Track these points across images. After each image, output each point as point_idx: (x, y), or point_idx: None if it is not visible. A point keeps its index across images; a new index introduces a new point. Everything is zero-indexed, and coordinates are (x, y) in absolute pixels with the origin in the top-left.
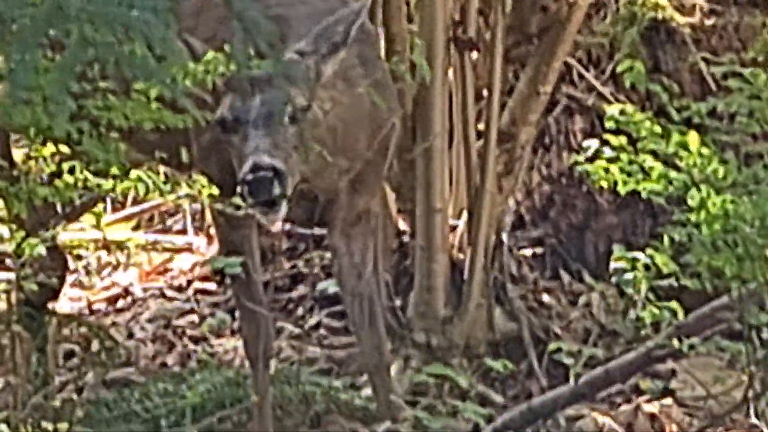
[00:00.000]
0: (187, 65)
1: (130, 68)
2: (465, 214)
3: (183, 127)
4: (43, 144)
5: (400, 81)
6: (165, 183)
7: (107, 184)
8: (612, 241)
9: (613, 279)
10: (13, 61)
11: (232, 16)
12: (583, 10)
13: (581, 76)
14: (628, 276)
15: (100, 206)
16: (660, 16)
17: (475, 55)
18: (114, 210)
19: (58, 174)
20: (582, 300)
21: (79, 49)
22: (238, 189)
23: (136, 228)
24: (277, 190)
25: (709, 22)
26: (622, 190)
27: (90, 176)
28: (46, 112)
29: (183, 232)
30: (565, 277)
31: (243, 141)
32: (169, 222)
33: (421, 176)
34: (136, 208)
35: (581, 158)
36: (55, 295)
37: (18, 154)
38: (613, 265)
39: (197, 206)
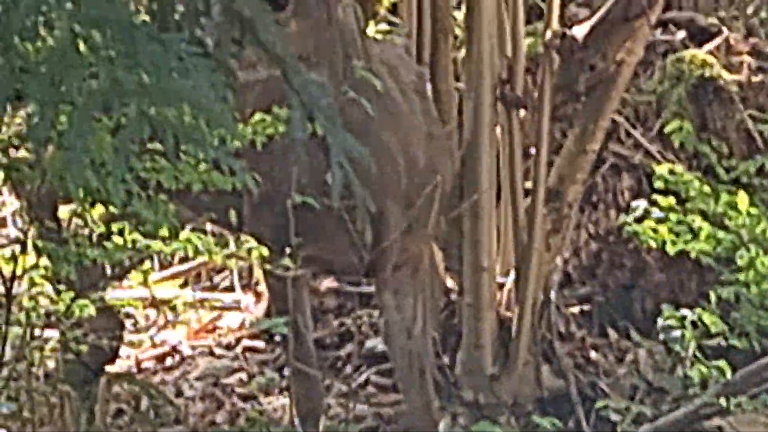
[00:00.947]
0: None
1: (185, 139)
2: (512, 272)
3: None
4: (92, 205)
5: (449, 139)
6: (215, 244)
7: (157, 245)
8: (659, 298)
9: (661, 336)
10: (71, 134)
11: (290, 91)
12: (630, 69)
13: (628, 134)
14: (676, 334)
15: (147, 264)
16: (707, 73)
17: (522, 113)
18: (161, 268)
19: (107, 235)
20: (629, 357)
21: (136, 123)
22: None
23: (184, 285)
24: None
25: (756, 79)
26: (670, 250)
27: (139, 237)
28: (99, 177)
29: (230, 289)
30: (613, 335)
31: None
32: (216, 279)
33: (468, 234)
34: (184, 266)
35: (630, 219)
36: (112, 357)
37: (63, 212)
38: (660, 322)
39: (244, 263)
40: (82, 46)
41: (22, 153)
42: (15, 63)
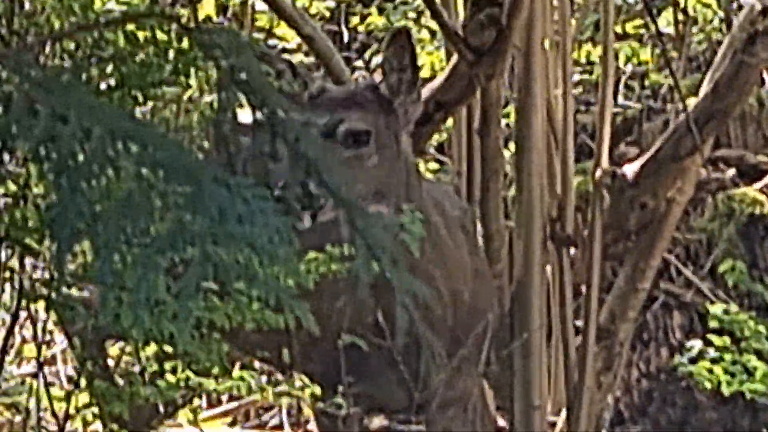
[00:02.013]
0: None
1: (247, 281)
2: (564, 411)
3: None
4: (145, 344)
5: (499, 278)
6: (267, 382)
7: (209, 383)
8: None
9: None
10: (134, 276)
11: (356, 233)
12: (681, 207)
13: (679, 272)
14: None
15: (196, 401)
16: (757, 211)
17: (573, 251)
18: (210, 406)
19: (160, 373)
20: None
21: (201, 267)
22: None
23: (233, 424)
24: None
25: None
26: (726, 391)
27: (192, 375)
28: (153, 317)
29: (279, 427)
30: None
31: None
32: (265, 417)
33: (519, 372)
34: (233, 404)
35: (684, 359)
36: None
37: (112, 349)
38: None
39: (293, 401)
40: (148, 189)
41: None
42: (81, 205)
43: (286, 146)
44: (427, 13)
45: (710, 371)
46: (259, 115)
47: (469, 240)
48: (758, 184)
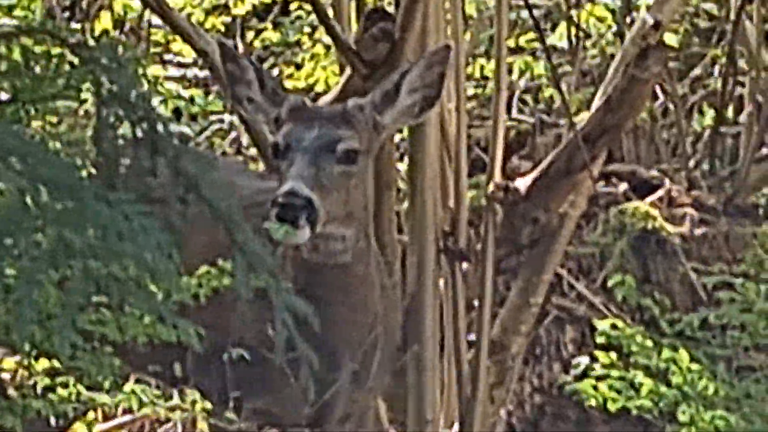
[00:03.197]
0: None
1: (129, 295)
2: (456, 425)
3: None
4: (36, 358)
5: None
6: (158, 397)
7: (101, 397)
8: None
9: None
10: (18, 289)
11: (235, 247)
12: (573, 221)
13: (572, 286)
14: None
15: (91, 415)
16: (650, 226)
17: (465, 265)
18: (105, 419)
19: (52, 387)
20: None
21: (82, 281)
22: (268, 206)
23: None
24: (303, 222)
25: (699, 232)
26: (612, 407)
27: (83, 390)
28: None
29: None
30: None
31: (288, 167)
32: (159, 430)
33: (412, 386)
34: (127, 418)
35: (569, 378)
36: None
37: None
38: None
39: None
40: (29, 204)
41: None
42: None
43: (165, 161)
44: (322, 27)
45: (596, 388)
46: (138, 131)
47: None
48: (650, 199)
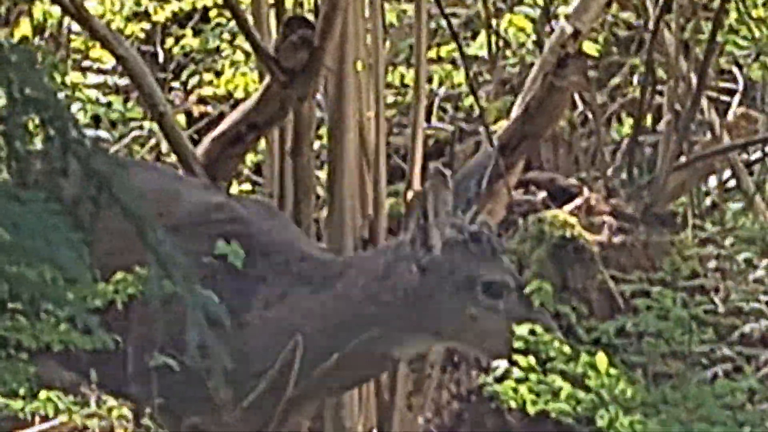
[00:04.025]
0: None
1: (43, 298)
2: None
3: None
4: None
5: None
6: (75, 404)
7: (16, 404)
8: None
9: None
10: None
11: (147, 249)
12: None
13: None
14: None
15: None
16: (568, 233)
17: None
18: (24, 425)
19: None
20: None
21: None
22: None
23: None
24: None
25: (617, 240)
26: (531, 410)
27: None
28: None
29: None
30: None
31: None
32: None
33: None
34: (46, 425)
35: (490, 379)
36: None
37: None
38: None
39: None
40: None
41: None
42: None
43: (77, 161)
44: (242, 34)
45: (515, 391)
46: (50, 130)
47: None
48: (569, 207)
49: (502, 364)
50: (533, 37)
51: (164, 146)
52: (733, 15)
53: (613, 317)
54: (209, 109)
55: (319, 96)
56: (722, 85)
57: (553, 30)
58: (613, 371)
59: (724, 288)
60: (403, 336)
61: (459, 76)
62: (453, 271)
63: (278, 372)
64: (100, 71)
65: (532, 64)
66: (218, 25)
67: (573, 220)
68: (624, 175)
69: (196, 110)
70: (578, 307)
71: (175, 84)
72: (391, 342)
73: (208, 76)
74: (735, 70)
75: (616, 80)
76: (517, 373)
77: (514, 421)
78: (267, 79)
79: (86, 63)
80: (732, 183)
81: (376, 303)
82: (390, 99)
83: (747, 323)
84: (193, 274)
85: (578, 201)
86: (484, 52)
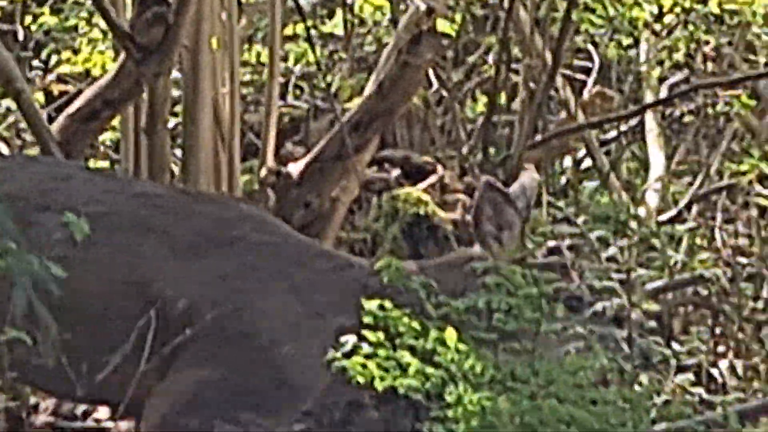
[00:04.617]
0: None
1: None
2: None
3: None
4: None
5: None
6: None
7: None
8: None
9: None
10: None
11: None
12: (345, 206)
13: None
14: None
15: None
16: (422, 211)
17: None
18: None
19: None
20: None
21: None
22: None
23: None
24: None
25: (469, 217)
26: (379, 386)
27: None
28: None
29: None
30: None
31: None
32: None
33: None
34: None
35: (338, 354)
36: None
37: None
38: None
39: None
40: None
41: None
42: None
43: None
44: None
45: (364, 366)
46: None
47: None
48: (423, 185)
49: (350, 339)
50: (389, 15)
51: (23, 124)
52: None
53: (464, 294)
54: (69, 87)
55: (174, 73)
56: (577, 63)
57: (408, 8)
58: (462, 347)
59: (577, 266)
60: None
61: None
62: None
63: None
64: None
65: (387, 43)
66: (76, 3)
67: (427, 197)
68: (479, 154)
69: (56, 89)
70: (428, 284)
71: (36, 62)
72: None
73: (66, 54)
74: (590, 48)
75: (471, 59)
76: (366, 348)
77: (365, 398)
78: (122, 56)
79: None
80: (587, 162)
81: None
82: (246, 77)
83: (599, 301)
84: (21, 240)
85: (432, 179)
86: (340, 31)
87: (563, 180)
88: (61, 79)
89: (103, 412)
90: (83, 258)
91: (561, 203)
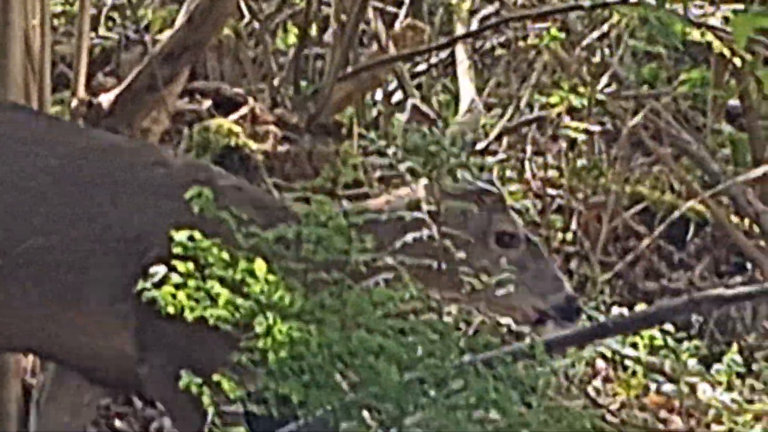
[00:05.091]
0: None
1: None
2: None
3: None
4: None
5: None
6: None
7: None
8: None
9: None
10: None
11: None
12: (156, 137)
13: None
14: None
15: None
16: (233, 142)
17: None
18: None
19: None
20: (154, 425)
21: None
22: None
23: None
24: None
25: (282, 148)
26: (189, 316)
27: None
28: None
29: None
30: (138, 402)
31: (532, 261)
32: None
33: None
34: None
35: (148, 284)
36: None
37: None
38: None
39: None
40: None
41: None
42: None
43: None
44: None
45: (174, 296)
46: None
47: None
48: (234, 116)
49: (160, 270)
50: None
51: None
52: None
53: (274, 225)
54: None
55: None
56: None
57: None
58: (271, 278)
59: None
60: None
61: None
62: (466, 223)
63: None
64: None
65: None
66: None
67: (238, 129)
68: (290, 86)
69: None
70: (238, 215)
71: None
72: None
73: None
74: None
75: None
76: (175, 278)
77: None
78: None
79: None
80: (399, 94)
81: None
82: (57, 8)
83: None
84: None
85: (243, 110)
86: None
87: (374, 112)
88: None
89: None
90: None
91: (372, 135)
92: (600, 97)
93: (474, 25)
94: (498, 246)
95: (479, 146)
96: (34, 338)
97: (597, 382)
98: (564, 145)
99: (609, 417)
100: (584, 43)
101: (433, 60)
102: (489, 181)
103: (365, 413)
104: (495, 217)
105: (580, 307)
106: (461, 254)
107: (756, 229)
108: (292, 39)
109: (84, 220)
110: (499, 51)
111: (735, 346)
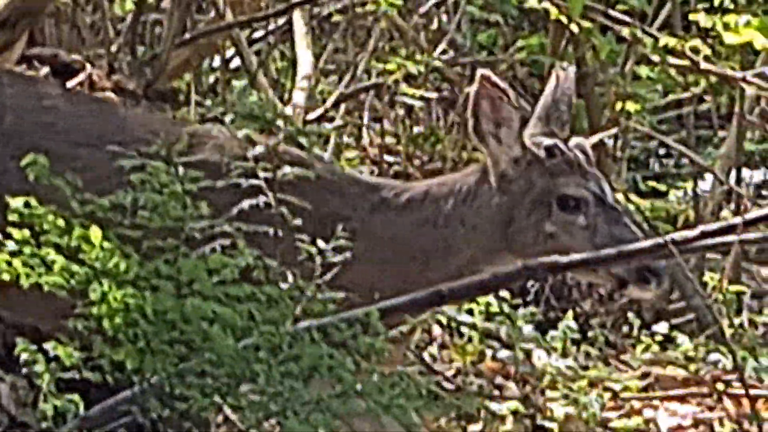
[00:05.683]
0: None
1: None
2: None
3: None
4: None
5: None
6: None
7: None
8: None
9: (24, 370)
10: None
11: None
12: None
13: None
14: (37, 368)
15: None
16: None
17: None
18: None
19: None
20: None
21: None
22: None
23: None
24: None
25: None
26: (24, 283)
27: None
28: None
29: None
30: None
31: (604, 224)
32: None
33: None
34: None
35: None
36: None
37: None
38: (23, 356)
39: None
40: None
41: None
42: None
43: None
44: None
45: (9, 264)
46: None
47: None
48: (71, 83)
49: None
50: None
51: None
52: None
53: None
54: None
55: None
56: None
57: None
58: (107, 245)
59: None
60: (492, 256)
61: None
62: (530, 188)
63: None
64: None
65: None
66: None
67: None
68: (128, 52)
69: None
70: (73, 182)
71: None
72: (481, 262)
73: None
74: None
75: None
76: (11, 245)
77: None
78: None
79: None
80: (236, 61)
81: (465, 225)
82: None
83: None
84: None
85: (81, 77)
86: None
87: (212, 79)
88: None
89: None
90: None
91: (209, 102)
92: (437, 63)
93: None
94: (561, 210)
95: (317, 113)
96: None
97: (433, 348)
98: (401, 111)
99: (445, 383)
100: (422, 9)
101: (271, 27)
102: (554, 145)
103: (201, 380)
104: (560, 180)
105: (658, 270)
106: (297, 221)
107: None
108: (129, 5)
109: None
110: (336, 17)
111: (570, 313)
